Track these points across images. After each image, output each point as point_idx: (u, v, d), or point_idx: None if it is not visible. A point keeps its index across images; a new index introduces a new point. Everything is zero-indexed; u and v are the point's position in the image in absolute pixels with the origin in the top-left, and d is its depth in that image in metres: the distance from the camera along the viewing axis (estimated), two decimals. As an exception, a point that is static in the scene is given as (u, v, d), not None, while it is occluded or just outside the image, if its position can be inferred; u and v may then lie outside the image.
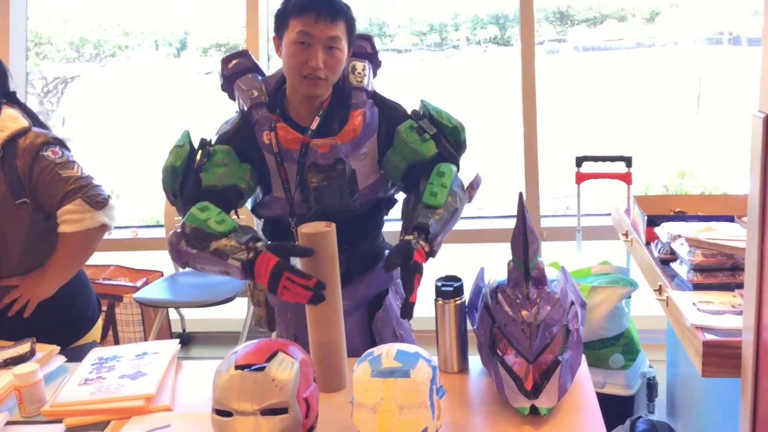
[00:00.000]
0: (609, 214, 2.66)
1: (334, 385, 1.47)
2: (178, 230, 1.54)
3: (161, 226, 3.54)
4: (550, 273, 1.44)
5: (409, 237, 1.47)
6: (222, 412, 1.19)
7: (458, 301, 1.51)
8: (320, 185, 1.53)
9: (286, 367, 1.20)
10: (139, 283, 3.34)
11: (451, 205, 1.57)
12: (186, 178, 1.59)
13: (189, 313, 3.66)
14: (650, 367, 2.60)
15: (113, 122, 9.49)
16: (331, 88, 1.62)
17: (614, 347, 2.44)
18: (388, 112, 1.66)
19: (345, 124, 1.61)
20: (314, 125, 1.60)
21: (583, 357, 1.49)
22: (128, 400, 1.45)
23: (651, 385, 2.58)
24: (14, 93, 1.91)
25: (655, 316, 2.89)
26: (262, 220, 1.74)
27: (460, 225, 3.49)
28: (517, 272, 1.38)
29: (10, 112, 1.84)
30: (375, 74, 1.71)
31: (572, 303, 1.43)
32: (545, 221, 3.34)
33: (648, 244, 2.01)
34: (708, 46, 8.44)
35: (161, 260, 3.48)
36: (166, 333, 3.42)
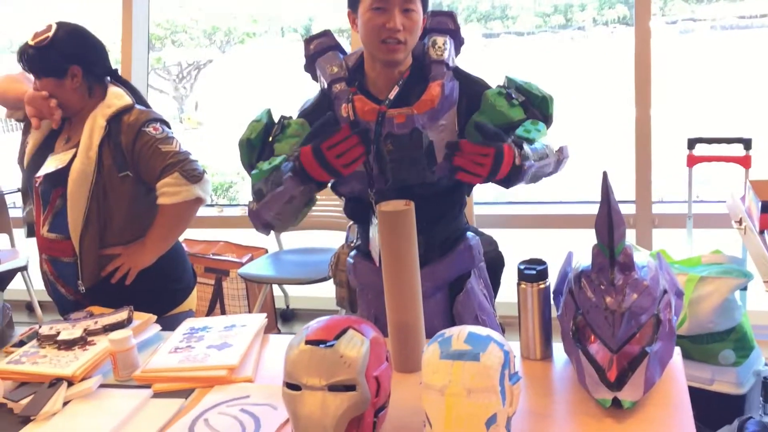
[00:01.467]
0: (724, 201, 2.48)
1: (410, 366, 1.45)
2: (250, 200, 1.60)
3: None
4: (641, 259, 1.35)
5: None
6: (292, 386, 1.19)
7: (542, 286, 1.45)
8: (396, 156, 1.51)
9: (356, 345, 1.20)
10: (244, 259, 3.46)
11: (544, 151, 1.55)
12: (263, 152, 1.63)
13: (293, 291, 3.76)
14: (766, 365, 2.41)
15: (241, 107, 9.91)
16: (410, 55, 1.60)
17: (725, 342, 2.28)
18: (470, 86, 1.62)
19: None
20: (392, 95, 1.59)
21: (678, 350, 1.39)
22: (212, 370, 1.50)
23: (766, 385, 2.39)
24: (116, 71, 2.01)
25: (775, 312, 2.69)
26: (343, 199, 1.74)
27: (554, 210, 3.39)
28: (602, 257, 1.30)
29: (115, 90, 1.95)
30: (458, 52, 1.67)
31: (665, 291, 1.34)
32: (657, 207, 3.16)
33: (762, 232, 1.86)
34: None
35: (267, 238, 3.58)
36: (270, 308, 3.53)
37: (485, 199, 3.22)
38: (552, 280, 1.48)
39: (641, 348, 1.27)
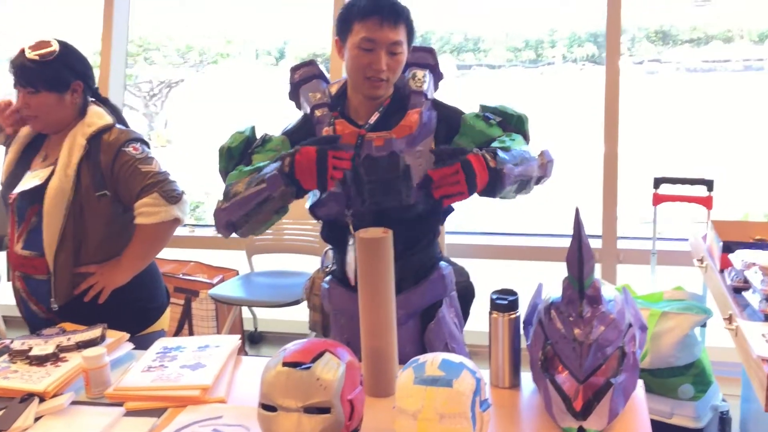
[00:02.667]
0: (687, 239, 2.57)
1: (382, 391, 1.48)
2: (219, 200, 1.63)
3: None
4: (608, 293, 1.41)
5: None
6: (268, 407, 1.22)
7: (512, 315, 1.49)
8: (373, 177, 1.55)
9: (332, 368, 1.23)
10: (215, 280, 3.46)
11: (522, 154, 1.62)
12: (240, 164, 1.66)
13: (262, 313, 3.76)
14: (723, 400, 2.48)
15: (211, 127, 9.88)
16: (392, 89, 1.66)
17: (684, 377, 2.35)
18: (447, 113, 1.70)
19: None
20: (372, 119, 1.65)
21: (641, 382, 1.45)
22: (185, 389, 1.51)
23: (723, 420, 2.46)
24: (97, 89, 2.02)
25: (733, 349, 2.76)
26: (320, 222, 1.77)
27: (525, 242, 3.45)
28: (572, 289, 1.35)
29: (96, 109, 1.96)
30: (436, 87, 1.73)
31: (630, 325, 1.39)
32: (622, 243, 3.25)
33: (722, 271, 1.93)
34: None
35: (239, 260, 3.59)
36: (238, 330, 3.52)
37: (457, 228, 3.27)
38: (522, 310, 1.53)
39: (606, 379, 1.32)
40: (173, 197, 1.92)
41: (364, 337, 1.50)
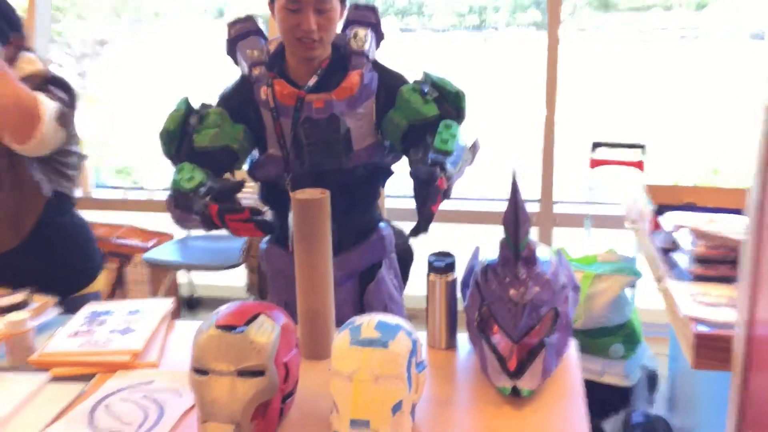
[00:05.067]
0: (620, 204, 2.62)
1: (318, 353, 1.47)
2: (169, 193, 1.57)
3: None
4: (543, 254, 1.42)
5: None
6: (200, 371, 1.19)
7: (450, 278, 1.49)
8: (313, 140, 1.52)
9: (266, 330, 1.20)
10: (150, 244, 3.38)
11: (460, 158, 1.58)
12: (182, 142, 1.61)
13: (198, 278, 3.70)
14: (652, 359, 2.57)
15: (146, 87, 9.58)
16: (329, 48, 1.62)
17: (615, 337, 2.42)
18: (389, 79, 1.66)
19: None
20: (312, 82, 1.61)
21: (574, 342, 1.47)
22: (114, 355, 1.47)
23: (651, 378, 2.55)
24: (22, 35, 1.88)
25: (661, 310, 2.86)
26: (258, 183, 1.73)
27: (463, 206, 3.48)
28: (508, 251, 1.36)
29: (27, 55, 1.84)
30: (378, 45, 1.70)
31: (564, 286, 1.41)
32: (559, 207, 3.30)
33: (653, 233, 1.98)
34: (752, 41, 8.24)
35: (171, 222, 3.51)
36: (174, 295, 3.46)
37: (398, 192, 3.27)
38: (459, 273, 1.53)
39: (540, 339, 1.33)
40: (62, 115, 1.70)
41: (300, 299, 1.48)
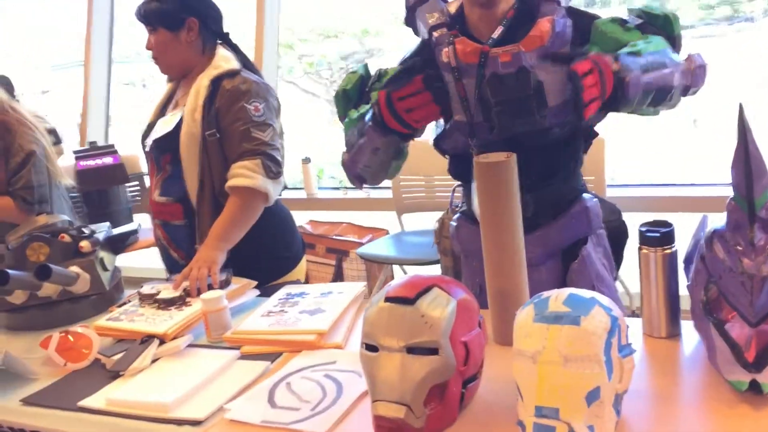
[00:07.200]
0: None
1: (509, 338, 1.29)
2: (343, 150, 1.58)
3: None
4: (790, 215, 1.12)
5: None
6: (370, 347, 1.09)
7: (667, 251, 1.24)
8: (501, 98, 1.35)
9: (440, 304, 1.07)
10: (365, 240, 3.41)
11: (657, 58, 1.37)
12: (359, 105, 1.56)
13: (414, 272, 3.66)
14: None
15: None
16: None
17: None
18: (583, 22, 1.44)
19: None
20: (496, 34, 1.45)
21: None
22: (301, 334, 1.43)
23: None
24: (227, 34, 1.98)
25: None
26: (447, 157, 1.61)
27: (692, 191, 3.01)
28: (739, 212, 1.08)
29: (224, 53, 1.92)
30: None
31: (821, 257, 1.10)
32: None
33: None
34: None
35: (390, 220, 3.52)
36: (390, 290, 3.45)
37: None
38: (682, 248, 1.28)
39: (788, 323, 1.05)
40: (271, 172, 1.81)
41: (488, 278, 1.32)
